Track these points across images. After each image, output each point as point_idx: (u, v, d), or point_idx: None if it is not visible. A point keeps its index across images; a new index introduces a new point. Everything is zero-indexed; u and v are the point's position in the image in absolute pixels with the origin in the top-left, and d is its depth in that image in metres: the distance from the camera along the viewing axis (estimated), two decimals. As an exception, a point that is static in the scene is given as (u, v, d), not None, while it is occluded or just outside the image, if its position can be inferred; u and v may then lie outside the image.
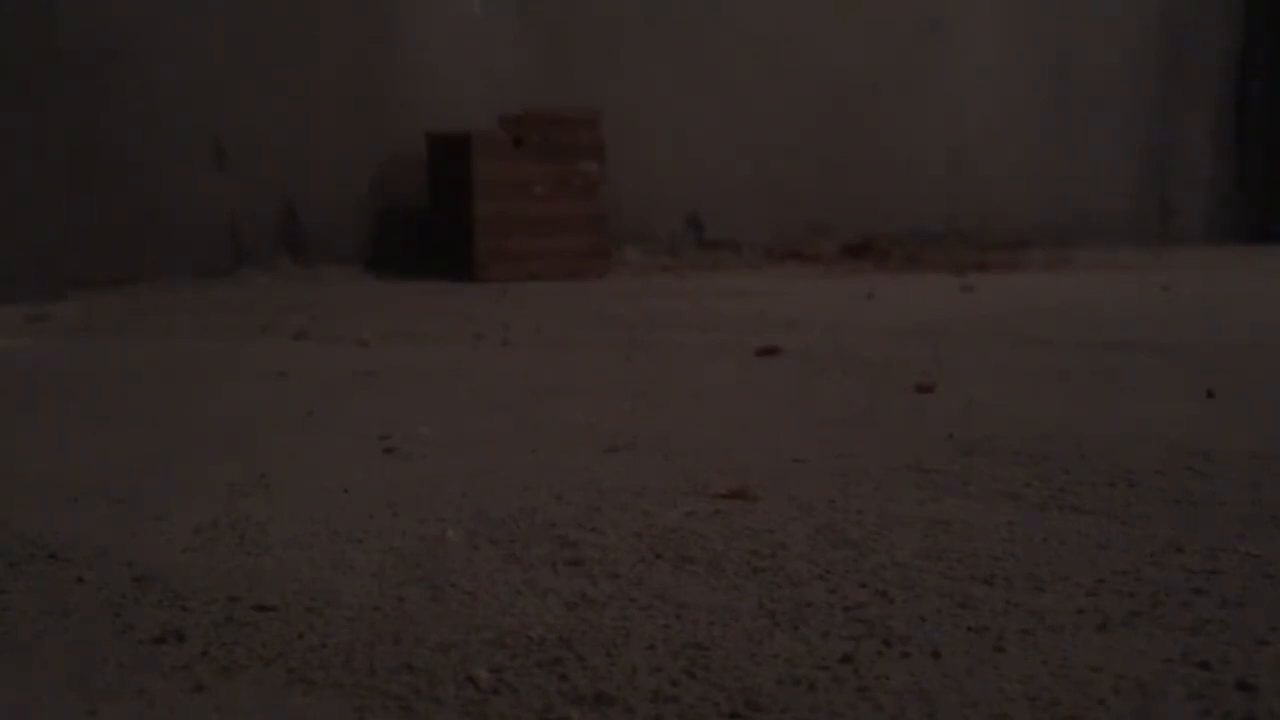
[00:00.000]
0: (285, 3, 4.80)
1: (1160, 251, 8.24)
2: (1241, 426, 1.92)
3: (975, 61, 8.05)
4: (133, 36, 4.36)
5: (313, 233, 4.92)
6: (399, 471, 1.62)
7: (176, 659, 0.98)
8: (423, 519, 1.38)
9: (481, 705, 0.89)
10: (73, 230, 4.05)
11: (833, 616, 1.07)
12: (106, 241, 4.29)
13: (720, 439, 1.84)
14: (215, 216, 4.64)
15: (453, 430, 1.90)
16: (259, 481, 1.55)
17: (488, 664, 0.96)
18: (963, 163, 7.99)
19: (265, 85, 4.74)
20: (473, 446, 1.78)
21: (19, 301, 3.73)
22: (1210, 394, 2.21)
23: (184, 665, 0.96)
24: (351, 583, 1.16)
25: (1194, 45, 9.97)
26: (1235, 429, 1.90)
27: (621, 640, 1.01)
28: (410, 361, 2.72)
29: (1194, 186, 10.17)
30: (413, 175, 5.17)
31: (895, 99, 7.47)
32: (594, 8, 5.90)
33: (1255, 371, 2.58)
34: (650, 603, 1.11)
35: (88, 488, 1.53)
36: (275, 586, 1.14)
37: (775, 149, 6.73)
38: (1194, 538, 1.31)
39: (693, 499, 1.47)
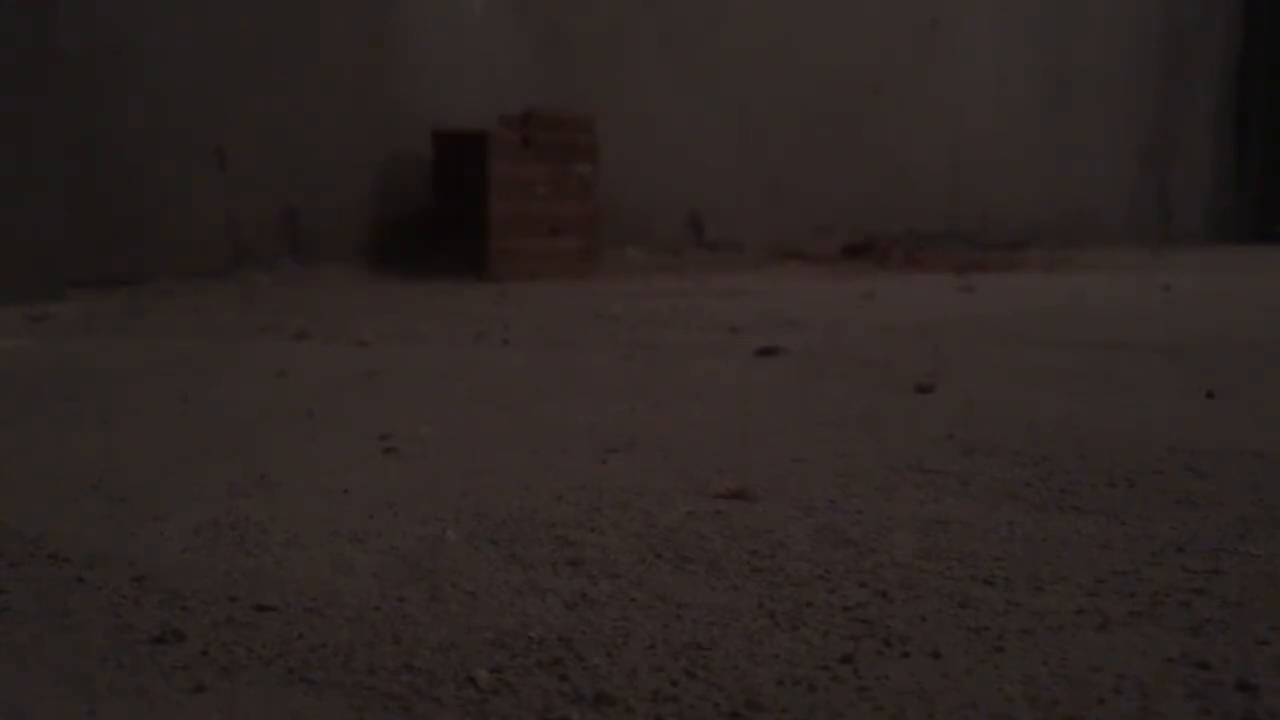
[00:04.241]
0: (285, 3, 4.81)
1: (1160, 251, 8.23)
2: (1241, 426, 1.92)
3: (975, 61, 8.05)
4: (133, 36, 4.36)
5: (313, 232, 4.92)
6: (399, 471, 1.62)
7: (176, 659, 0.98)
8: (423, 519, 1.38)
9: (481, 705, 0.89)
10: (73, 230, 4.05)
11: (833, 616, 1.07)
12: (106, 241, 4.29)
13: (720, 439, 1.84)
14: (215, 216, 4.64)
15: (453, 430, 1.90)
16: (259, 481, 1.55)
17: (488, 664, 0.96)
18: (963, 163, 7.98)
19: (265, 85, 4.74)
20: (473, 446, 1.78)
21: (19, 301, 3.73)
22: (1210, 394, 2.21)
23: (184, 665, 0.96)
24: (351, 583, 1.16)
25: (1194, 46, 9.97)
26: (1235, 429, 1.90)
27: (621, 640, 1.01)
28: (410, 361, 2.72)
29: (1194, 186, 10.16)
30: (414, 175, 5.17)
31: (895, 99, 7.47)
32: (594, 8, 5.90)
33: (1255, 371, 2.58)
34: (650, 603, 1.11)
35: (88, 488, 1.53)
36: (275, 586, 1.14)
37: (775, 149, 6.73)
38: (1194, 538, 1.31)
39: (693, 499, 1.47)
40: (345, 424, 1.95)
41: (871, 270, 6.09)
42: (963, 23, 7.87)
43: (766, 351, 2.80)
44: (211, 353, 2.84)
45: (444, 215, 5.15)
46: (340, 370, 2.56)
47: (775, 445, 1.79)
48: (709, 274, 5.71)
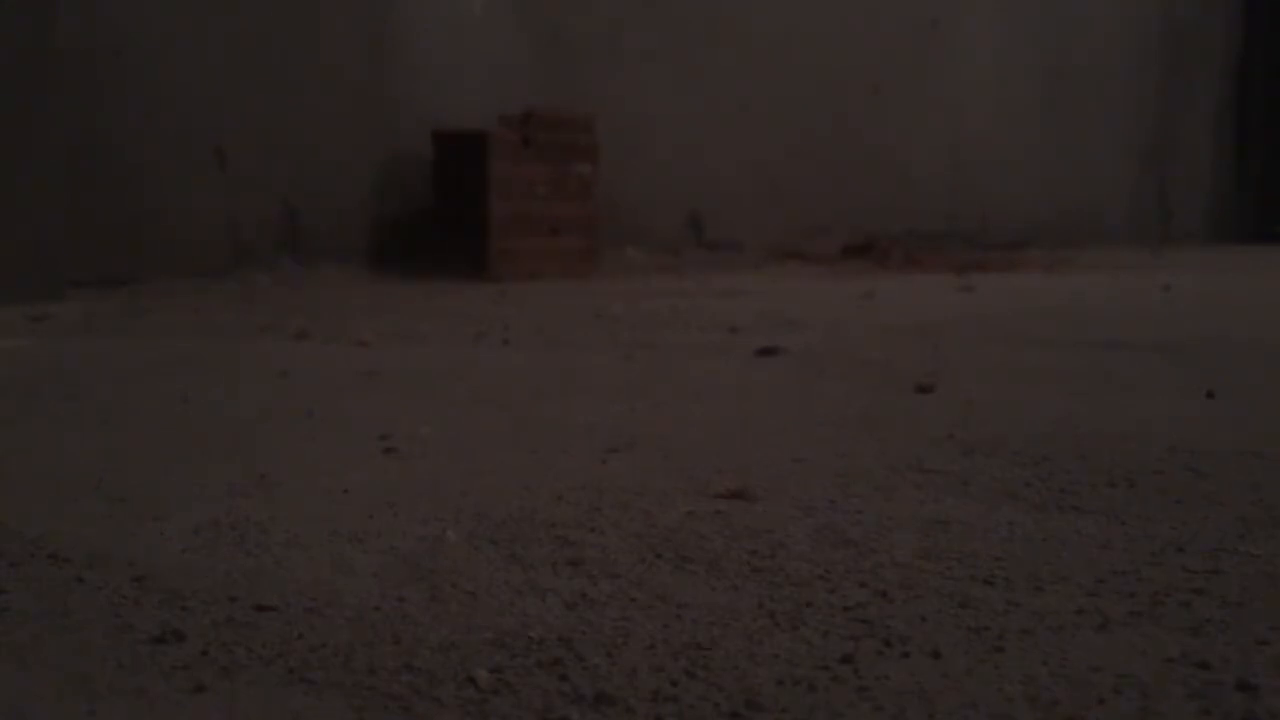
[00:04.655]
0: (285, 3, 4.81)
1: (1160, 251, 8.23)
2: (1241, 426, 1.92)
3: (975, 61, 8.04)
4: (133, 36, 4.36)
5: (313, 232, 4.92)
6: (399, 471, 1.62)
7: (176, 659, 0.98)
8: (423, 519, 1.38)
9: (481, 705, 0.89)
10: (73, 230, 4.05)
11: (833, 616, 1.07)
12: (106, 241, 4.29)
13: (720, 439, 1.84)
14: (215, 216, 4.64)
15: (453, 430, 1.90)
16: (259, 481, 1.55)
17: (488, 664, 0.96)
18: (963, 163, 7.98)
19: (265, 85, 4.74)
20: (473, 446, 1.78)
21: (19, 301, 3.73)
22: (1210, 394, 2.21)
23: (184, 665, 0.96)
24: (351, 583, 1.16)
25: (1194, 46, 9.96)
26: (1235, 429, 1.90)
27: (621, 640, 1.01)
28: (410, 361, 2.72)
29: (1194, 186, 10.16)
30: (414, 175, 5.17)
31: (895, 99, 7.46)
32: (594, 8, 5.90)
33: (1255, 371, 2.58)
34: (650, 603, 1.11)
35: (88, 488, 1.53)
36: (275, 586, 1.14)
37: (775, 149, 6.73)
38: (1194, 538, 1.31)
39: (693, 499, 1.47)
40: (345, 424, 1.95)
41: (871, 270, 6.09)
42: (963, 23, 7.87)
43: (766, 351, 2.80)
44: (211, 353, 2.84)
45: (444, 215, 5.15)
46: (340, 370, 2.56)
47: (775, 445, 1.79)
48: (709, 274, 5.71)
